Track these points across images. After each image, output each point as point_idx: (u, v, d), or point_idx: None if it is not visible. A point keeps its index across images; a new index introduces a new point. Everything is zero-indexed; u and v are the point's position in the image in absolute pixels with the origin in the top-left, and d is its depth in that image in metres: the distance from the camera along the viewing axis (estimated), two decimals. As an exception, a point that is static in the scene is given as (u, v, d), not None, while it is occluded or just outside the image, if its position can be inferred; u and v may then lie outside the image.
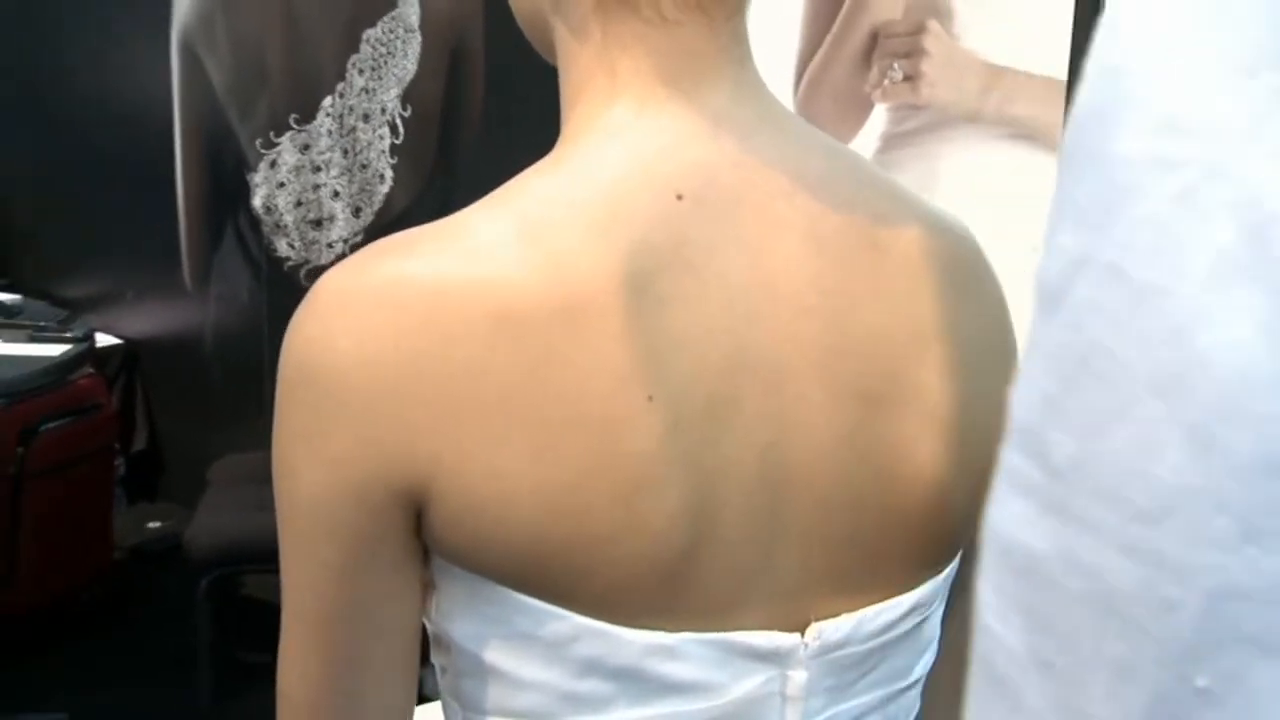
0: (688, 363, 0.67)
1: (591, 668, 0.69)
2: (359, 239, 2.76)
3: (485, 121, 2.81)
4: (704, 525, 0.67)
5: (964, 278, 0.75)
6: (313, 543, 0.69)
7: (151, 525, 2.99)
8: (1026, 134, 2.19)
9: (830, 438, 0.70)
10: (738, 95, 0.73)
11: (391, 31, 2.71)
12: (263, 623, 2.75)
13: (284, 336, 0.69)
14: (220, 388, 2.89)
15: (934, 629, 0.78)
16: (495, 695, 0.71)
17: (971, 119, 2.24)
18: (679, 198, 0.69)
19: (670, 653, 0.69)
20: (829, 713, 0.73)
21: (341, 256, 2.80)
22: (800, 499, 0.70)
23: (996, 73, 2.20)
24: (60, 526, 2.73)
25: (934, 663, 0.78)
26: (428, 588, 0.72)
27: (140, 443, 3.03)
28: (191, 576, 2.47)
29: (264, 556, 2.30)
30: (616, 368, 0.65)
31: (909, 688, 0.77)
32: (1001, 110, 2.21)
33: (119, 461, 2.94)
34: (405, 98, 2.75)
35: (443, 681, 0.75)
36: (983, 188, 2.23)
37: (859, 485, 0.71)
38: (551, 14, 0.74)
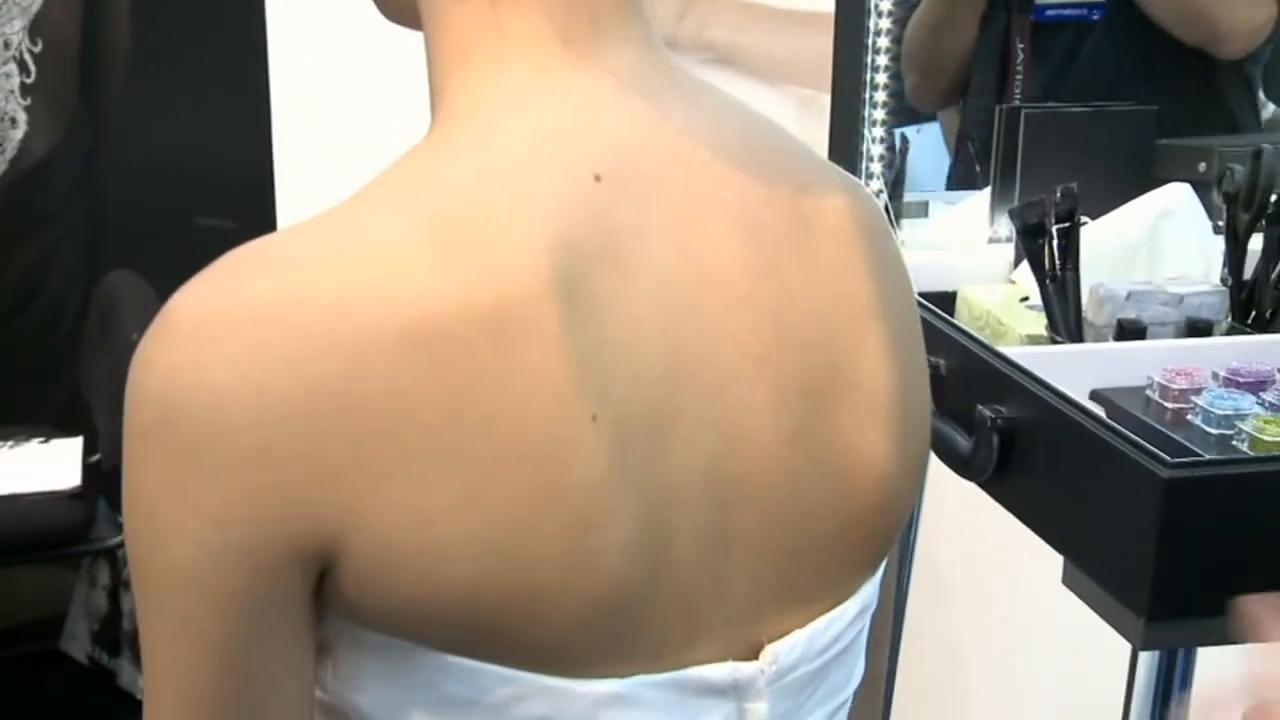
0: (627, 372, 0.58)
1: None
2: (-10, 190, 2.48)
3: (133, 58, 2.55)
4: (656, 554, 0.59)
5: (881, 246, 0.70)
6: (188, 618, 0.57)
7: None
8: (725, 59, 2.17)
9: (776, 441, 0.63)
10: (642, 54, 0.64)
11: (8, -45, 2.43)
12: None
13: (129, 373, 0.56)
14: None
15: (866, 635, 0.72)
16: None
17: (668, 44, 2.20)
18: (597, 179, 0.60)
19: (624, 701, 0.61)
20: None
21: (-28, 210, 2.51)
22: (748, 512, 0.63)
23: (692, -1, 2.17)
24: None
25: None
26: (320, 652, 0.61)
27: None
28: None
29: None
30: (554, 385, 0.56)
31: (846, 701, 0.72)
32: (697, 35, 2.18)
33: None
34: (33, 30, 2.47)
35: None
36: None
37: (808, 489, 0.64)
38: None
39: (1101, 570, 0.94)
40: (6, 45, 2.48)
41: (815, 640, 0.66)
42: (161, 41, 2.49)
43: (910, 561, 1.30)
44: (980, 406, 1.03)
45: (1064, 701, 1.46)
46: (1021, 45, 1.28)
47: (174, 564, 0.56)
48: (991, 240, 1.30)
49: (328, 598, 0.58)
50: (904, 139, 1.37)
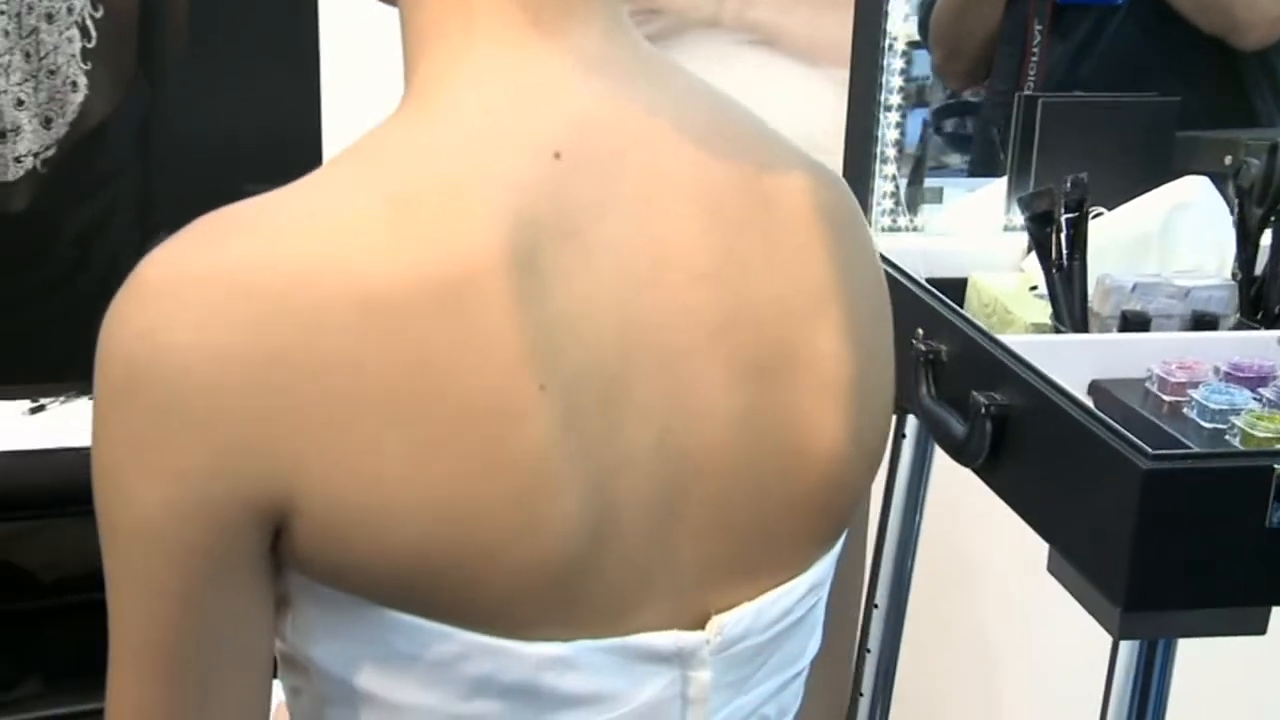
0: (579, 345, 0.60)
1: (480, 687, 0.62)
2: (51, 153, 2.53)
3: (191, 24, 2.60)
4: (603, 523, 0.61)
5: (847, 230, 0.71)
6: (149, 570, 0.59)
7: None
8: (766, 39, 2.17)
9: (729, 418, 0.65)
10: (611, 35, 0.66)
11: (76, -78, 2.47)
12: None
13: (100, 332, 0.59)
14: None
15: (822, 610, 0.74)
16: None
17: (710, 24, 2.21)
18: (557, 156, 0.61)
19: (566, 664, 0.63)
20: (729, 709, 0.69)
21: (32, 172, 2.56)
22: (700, 486, 0.64)
23: (734, -24, 2.17)
24: None
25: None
26: (280, 605, 0.63)
27: None
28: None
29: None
30: (503, 356, 0.58)
31: (800, 673, 0.73)
32: (740, 15, 2.18)
33: None
34: (95, -4, 2.52)
35: (295, 704, 0.67)
36: (723, 95, 2.20)
37: (759, 466, 0.66)
38: None
39: (1084, 559, 0.95)
40: (70, 10, 2.53)
41: (764, 613, 0.68)
42: (217, 10, 2.53)
43: (913, 547, 1.31)
44: (975, 393, 1.03)
45: (1051, 691, 1.47)
46: (1040, 28, 1.28)
47: (136, 517, 0.59)
48: (1007, 228, 1.31)
49: (284, 554, 0.61)
50: (926, 123, 1.37)
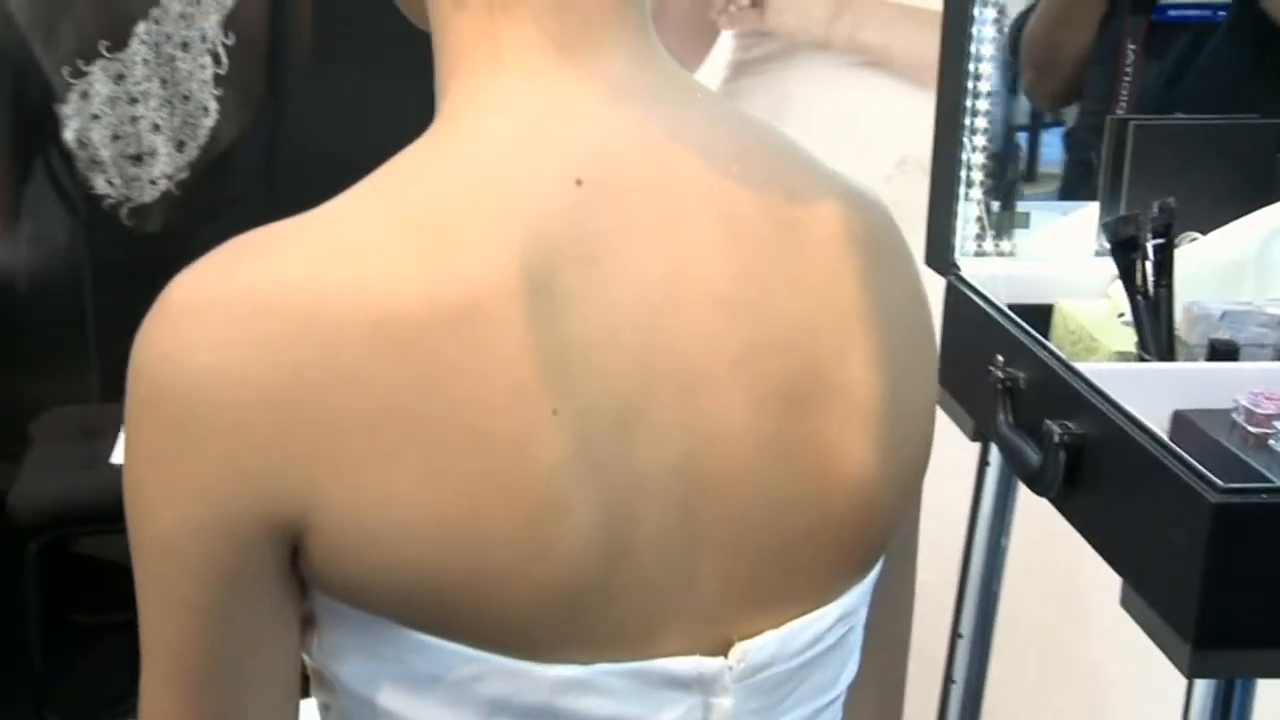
0: (594, 369, 0.61)
1: (498, 708, 0.63)
2: (184, 175, 2.62)
3: (315, 51, 2.67)
4: (618, 547, 0.61)
5: (883, 256, 0.70)
6: (173, 583, 0.61)
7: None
8: (876, 61, 2.15)
9: (751, 443, 0.65)
10: (636, 61, 0.66)
11: (208, -46, 2.56)
12: (97, 583, 2.62)
13: (132, 350, 0.61)
14: (38, 335, 2.73)
15: (858, 637, 0.73)
16: None
17: (820, 46, 2.20)
18: (578, 183, 0.62)
19: (584, 687, 0.63)
20: None
21: (166, 194, 2.66)
22: (721, 512, 0.65)
23: (845, -1, 2.16)
24: None
25: (856, 673, 0.74)
26: (308, 623, 0.65)
27: (-47, 395, 2.85)
28: (19, 538, 2.33)
29: (95, 517, 2.20)
30: (516, 379, 0.59)
31: (834, 700, 0.73)
32: (851, 37, 2.16)
33: (-70, 416, 2.76)
34: (227, 25, 2.60)
35: None
36: (833, 117, 2.19)
37: (784, 492, 0.66)
38: None
39: (1155, 594, 0.93)
40: (203, 39, 2.61)
41: (791, 641, 0.68)
42: (340, 33, 2.60)
43: (998, 575, 1.29)
44: (1048, 421, 1.01)
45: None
46: (1133, 48, 1.25)
47: (160, 532, 0.61)
48: (1098, 253, 1.28)
49: (305, 572, 0.62)
50: (1017, 146, 1.35)
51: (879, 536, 0.70)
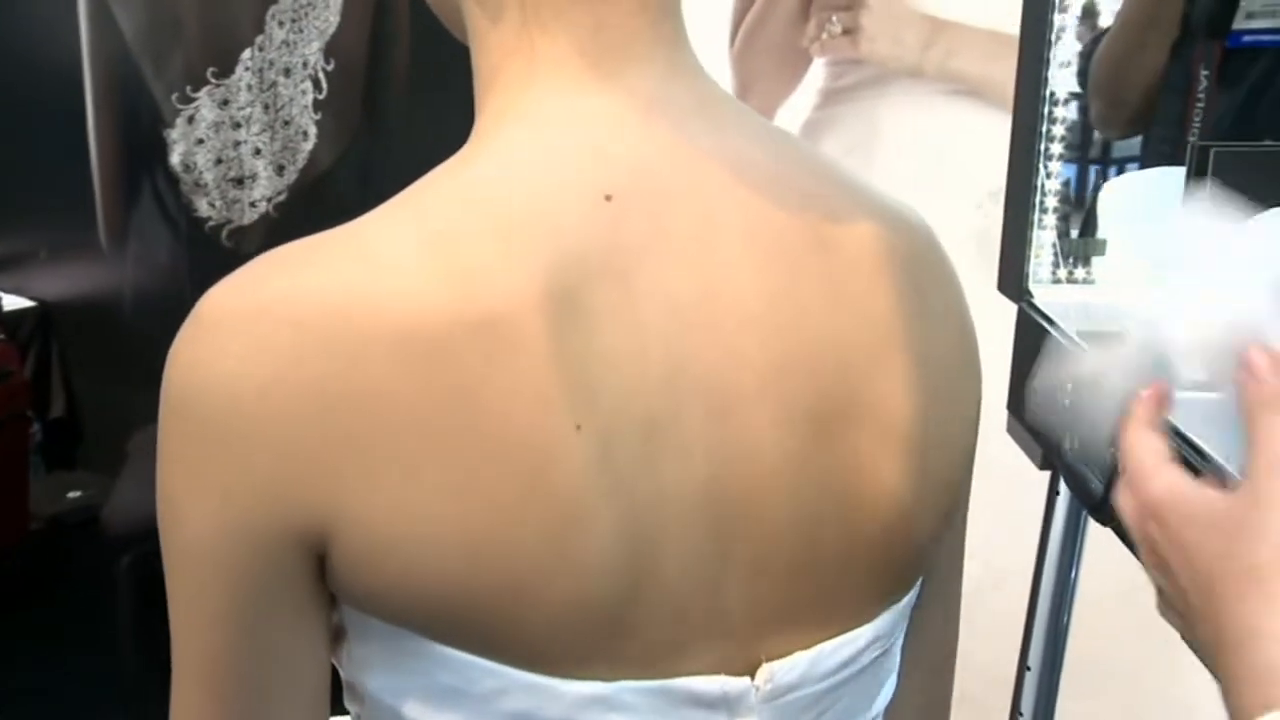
0: (620, 386, 0.61)
1: None
2: (282, 197, 2.67)
3: (412, 77, 2.71)
4: (642, 563, 0.61)
5: (922, 277, 0.70)
6: (201, 589, 0.62)
7: (71, 495, 2.89)
8: (969, 90, 2.14)
9: (781, 463, 0.64)
10: (671, 77, 0.66)
11: (311, -18, 2.61)
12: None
13: (167, 360, 0.62)
14: (140, 352, 2.78)
15: (895, 660, 0.72)
16: None
17: (913, 74, 2.18)
18: (607, 198, 0.62)
19: (607, 704, 0.63)
20: None
21: (265, 216, 2.71)
22: (749, 531, 0.64)
23: (938, 26, 2.15)
24: (-27, 497, 2.63)
25: (894, 694, 0.73)
26: (338, 635, 0.66)
27: (57, 409, 2.92)
28: (113, 551, 2.38)
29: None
30: (540, 394, 0.59)
31: None
32: (944, 65, 2.15)
33: (35, 429, 2.84)
34: (328, 51, 2.65)
35: None
36: (925, 145, 2.18)
37: (814, 513, 0.65)
38: None
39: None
40: (305, 64, 2.67)
41: (821, 663, 0.67)
42: (434, 58, 2.63)
43: (1068, 607, 1.26)
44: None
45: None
46: (1206, 73, 1.22)
47: (188, 538, 0.62)
48: (1176, 281, 1.25)
49: (331, 583, 0.63)
50: (1096, 174, 1.33)
51: (913, 558, 0.69)
